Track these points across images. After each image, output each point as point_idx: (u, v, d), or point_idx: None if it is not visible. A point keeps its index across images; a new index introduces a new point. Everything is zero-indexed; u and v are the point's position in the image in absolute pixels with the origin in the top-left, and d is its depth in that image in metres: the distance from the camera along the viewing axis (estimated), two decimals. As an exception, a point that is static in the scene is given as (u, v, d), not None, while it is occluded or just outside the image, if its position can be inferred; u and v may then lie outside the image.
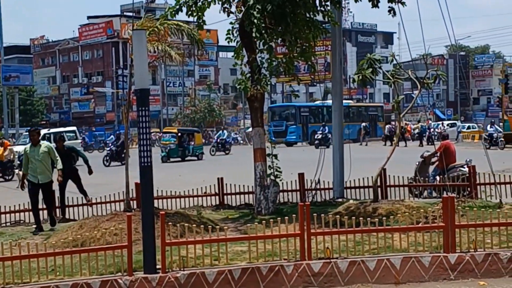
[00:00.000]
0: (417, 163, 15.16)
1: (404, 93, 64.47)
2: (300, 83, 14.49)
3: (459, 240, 8.15)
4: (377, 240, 8.24)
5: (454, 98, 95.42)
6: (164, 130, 42.57)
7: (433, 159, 15.28)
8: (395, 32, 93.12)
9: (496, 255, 8.00)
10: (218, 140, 40.49)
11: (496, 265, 7.97)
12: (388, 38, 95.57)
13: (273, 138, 48.39)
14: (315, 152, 13.78)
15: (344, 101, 52.06)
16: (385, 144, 47.01)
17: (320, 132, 43.78)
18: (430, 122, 54.00)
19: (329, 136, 43.17)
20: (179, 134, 34.88)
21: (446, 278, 7.93)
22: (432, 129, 46.79)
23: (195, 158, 34.63)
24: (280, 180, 12.31)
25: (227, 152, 39.81)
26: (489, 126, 41.79)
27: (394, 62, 11.95)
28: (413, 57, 13.44)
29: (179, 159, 33.85)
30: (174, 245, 7.94)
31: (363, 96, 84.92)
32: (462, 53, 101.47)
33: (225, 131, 43.34)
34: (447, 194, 12.53)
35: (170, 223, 8.22)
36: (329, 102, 56.87)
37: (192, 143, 35.11)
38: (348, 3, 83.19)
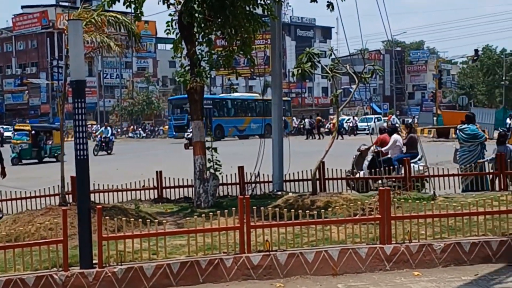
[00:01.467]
0: (354, 157, 15.38)
1: (342, 87, 65.56)
2: (240, 77, 14.50)
3: (394, 231, 8.33)
4: (315, 232, 8.33)
5: (390, 93, 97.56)
6: (15, 127, 36.73)
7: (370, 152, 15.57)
8: (334, 27, 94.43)
9: (430, 245, 8.21)
10: (102, 139, 35.39)
11: (430, 255, 8.18)
12: (326, 32, 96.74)
13: (174, 133, 46.46)
14: (255, 145, 13.82)
15: (250, 94, 49.85)
16: (306, 138, 47.37)
17: (191, 130, 40.30)
18: (392, 117, 51.90)
19: None
20: (33, 132, 30.54)
21: (382, 269, 8.08)
22: (398, 124, 44.80)
23: (54, 159, 29.77)
24: (220, 173, 12.29)
25: (109, 151, 35.12)
26: (508, 119, 39.29)
27: (333, 56, 12.12)
28: (351, 52, 13.66)
29: (35, 160, 29.95)
30: (111, 240, 7.81)
31: (302, 89, 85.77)
32: (398, 48, 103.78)
33: (108, 128, 37.48)
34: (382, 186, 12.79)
35: (107, 217, 8.06)
36: (235, 94, 56.21)
37: (50, 142, 30.76)
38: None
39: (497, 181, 13.10)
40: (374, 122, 50.89)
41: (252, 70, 54.35)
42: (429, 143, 36.95)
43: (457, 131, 14.15)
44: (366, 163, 14.57)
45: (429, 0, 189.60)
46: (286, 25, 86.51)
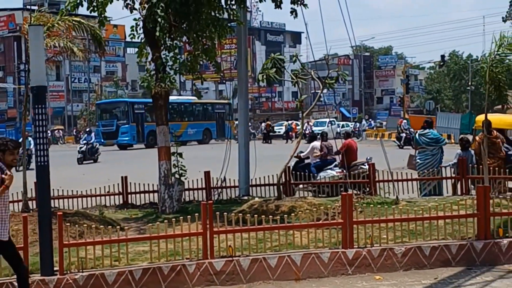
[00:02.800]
0: (291, 165, 15.19)
1: (312, 92, 65.75)
2: (206, 81, 14.53)
3: (356, 236, 8.41)
4: (278, 237, 8.38)
5: (359, 97, 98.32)
6: None
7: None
8: (303, 32, 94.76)
9: (391, 250, 8.31)
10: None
11: (391, 259, 8.28)
12: (296, 37, 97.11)
13: (102, 140, 41.75)
14: (223, 149, 13.83)
15: (187, 98, 46.76)
16: (263, 142, 47.08)
17: (85, 141, 31.63)
18: (404, 121, 45.71)
19: (97, 146, 32.65)
20: None
21: (344, 273, 8.16)
22: (407, 131, 39.66)
23: None
24: (185, 179, 12.27)
25: (28, 166, 24.38)
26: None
27: (301, 61, 12.20)
28: (320, 57, 13.81)
29: None
30: (73, 246, 7.75)
31: (272, 94, 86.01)
32: (367, 53, 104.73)
33: (29, 138, 24.82)
34: (351, 191, 12.94)
35: (68, 224, 8.00)
36: (172, 98, 53.37)
37: None
38: (257, 1, 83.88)
39: (459, 185, 13.33)
40: (328, 126, 50.10)
41: (221, 74, 54.38)
42: (396, 147, 37.40)
43: (418, 136, 14.38)
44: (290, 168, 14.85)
45: (397, 6, 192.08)
46: (256, 30, 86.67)
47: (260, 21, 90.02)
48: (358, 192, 13.09)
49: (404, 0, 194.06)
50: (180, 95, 68.08)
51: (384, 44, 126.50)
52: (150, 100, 40.68)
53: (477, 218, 8.57)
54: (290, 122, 57.01)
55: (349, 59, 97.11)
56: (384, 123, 64.92)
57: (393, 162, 16.76)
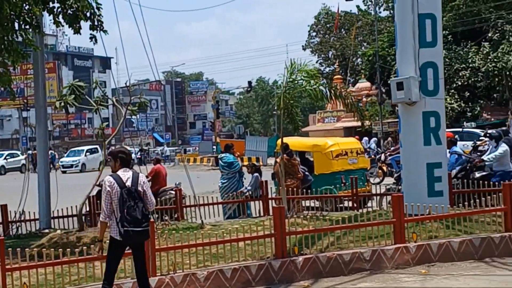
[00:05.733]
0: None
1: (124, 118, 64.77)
2: (13, 107, 13.71)
3: (160, 263, 8.34)
4: (78, 270, 8.05)
5: (172, 123, 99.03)
6: None
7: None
8: (113, 57, 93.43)
9: (194, 274, 8.34)
10: None
11: (194, 284, 8.30)
12: (105, 62, 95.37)
13: None
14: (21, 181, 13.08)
15: None
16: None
17: None
18: (372, 139, 38.80)
19: None
20: None
21: (147, 302, 8.01)
22: (374, 151, 34.43)
23: None
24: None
25: None
26: (373, 143, 36.84)
27: (112, 87, 11.96)
28: (132, 82, 13.60)
29: None
30: None
31: (82, 120, 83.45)
32: (178, 79, 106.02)
33: None
34: (158, 217, 12.87)
35: None
36: None
37: None
38: (63, 25, 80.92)
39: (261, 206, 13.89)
40: (86, 156, 47.81)
41: (25, 101, 51.72)
42: (208, 171, 38.11)
43: (219, 160, 14.78)
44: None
45: (207, 33, 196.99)
46: (62, 55, 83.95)
47: (67, 46, 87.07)
48: (166, 218, 13.07)
49: (213, 28, 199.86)
50: (-20, 123, 63.61)
51: (195, 70, 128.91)
52: None
53: (274, 238, 8.91)
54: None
55: (161, 84, 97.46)
56: (196, 148, 65.91)
57: (208, 186, 17.12)
